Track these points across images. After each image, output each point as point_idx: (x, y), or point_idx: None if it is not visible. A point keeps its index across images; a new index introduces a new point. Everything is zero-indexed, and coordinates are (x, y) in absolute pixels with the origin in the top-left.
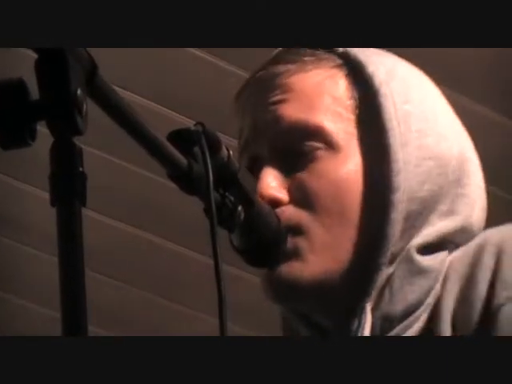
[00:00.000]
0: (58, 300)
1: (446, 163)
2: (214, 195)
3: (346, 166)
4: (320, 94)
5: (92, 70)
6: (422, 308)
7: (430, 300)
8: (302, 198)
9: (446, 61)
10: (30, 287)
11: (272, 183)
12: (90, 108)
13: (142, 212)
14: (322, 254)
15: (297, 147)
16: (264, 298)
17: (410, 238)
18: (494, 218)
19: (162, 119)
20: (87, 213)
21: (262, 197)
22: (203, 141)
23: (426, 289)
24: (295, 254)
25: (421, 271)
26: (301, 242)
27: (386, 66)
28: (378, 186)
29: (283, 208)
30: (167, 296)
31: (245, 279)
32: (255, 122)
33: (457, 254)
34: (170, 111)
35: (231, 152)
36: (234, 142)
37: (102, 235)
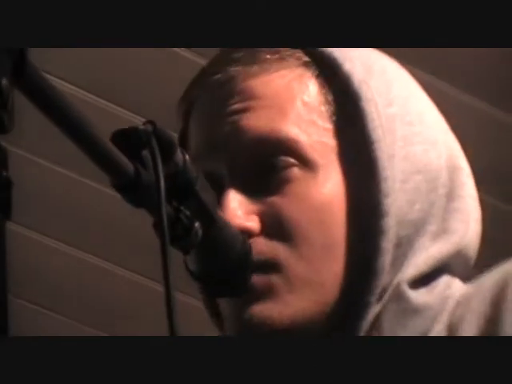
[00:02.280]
0: None
1: (436, 176)
2: (166, 208)
3: (327, 187)
4: (288, 100)
5: (21, 56)
6: None
7: None
8: (276, 226)
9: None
10: None
11: (237, 211)
12: (18, 102)
13: (79, 226)
14: (303, 292)
15: (265, 165)
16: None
17: (399, 268)
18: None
19: (106, 116)
20: (12, 227)
21: None
22: (154, 143)
23: (421, 331)
24: (270, 294)
25: (415, 310)
26: (277, 280)
27: (360, 59)
28: (365, 210)
29: (254, 239)
30: (110, 329)
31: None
32: (210, 136)
33: (468, 289)
34: (115, 107)
35: (187, 157)
36: None
37: (31, 256)
